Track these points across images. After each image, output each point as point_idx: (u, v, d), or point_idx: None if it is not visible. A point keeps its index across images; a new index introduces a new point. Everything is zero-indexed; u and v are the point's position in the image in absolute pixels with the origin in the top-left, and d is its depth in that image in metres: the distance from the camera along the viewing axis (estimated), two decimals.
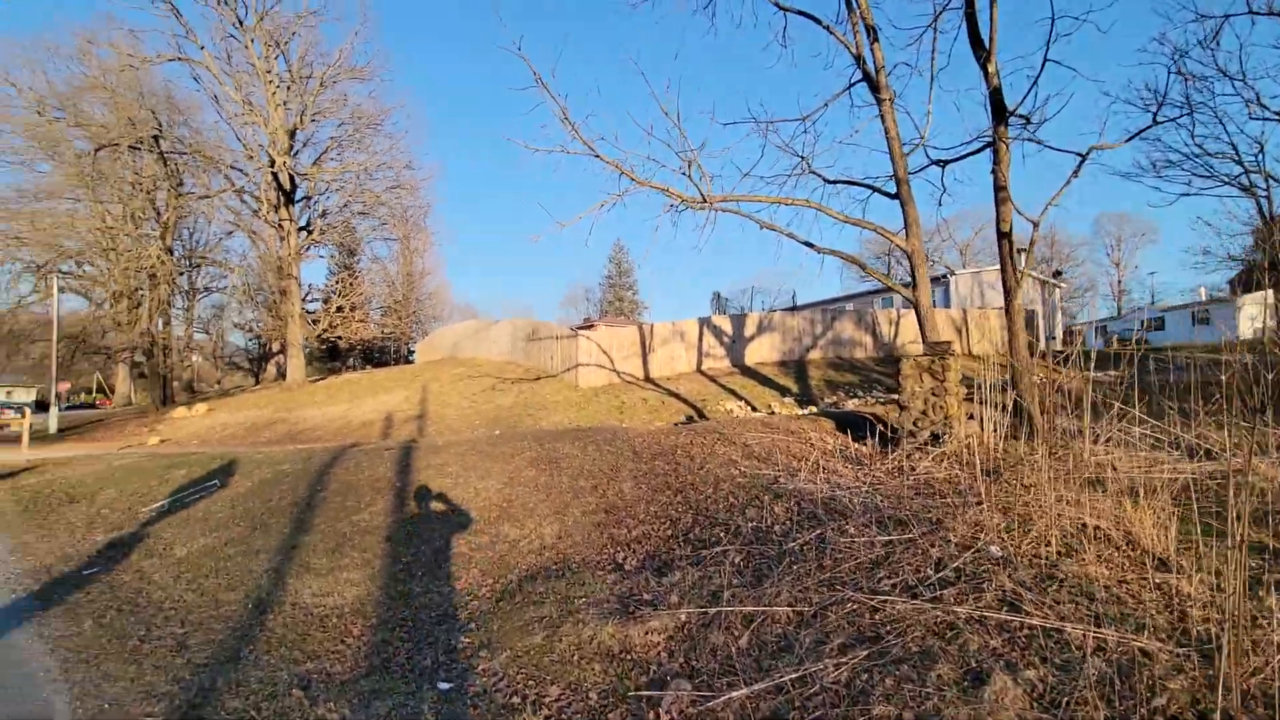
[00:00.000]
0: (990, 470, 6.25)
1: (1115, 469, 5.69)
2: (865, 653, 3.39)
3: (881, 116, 9.56)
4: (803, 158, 10.70)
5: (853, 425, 9.52)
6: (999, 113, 9.90)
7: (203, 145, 29.92)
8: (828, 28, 10.09)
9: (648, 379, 18.40)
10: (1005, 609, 3.52)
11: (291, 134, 29.08)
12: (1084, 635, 3.12)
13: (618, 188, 8.71)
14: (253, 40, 27.69)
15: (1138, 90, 33.49)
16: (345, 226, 35.31)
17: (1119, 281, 55.27)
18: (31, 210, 27.81)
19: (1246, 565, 3.49)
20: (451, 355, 28.70)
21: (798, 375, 18.16)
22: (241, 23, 27.34)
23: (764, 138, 10.61)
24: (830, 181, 10.82)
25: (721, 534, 5.44)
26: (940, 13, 9.75)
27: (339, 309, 32.75)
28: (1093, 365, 7.42)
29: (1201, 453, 6.13)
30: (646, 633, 3.99)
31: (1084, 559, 4.13)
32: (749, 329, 20.04)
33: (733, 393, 16.21)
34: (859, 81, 10.17)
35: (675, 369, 18.98)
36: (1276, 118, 16.77)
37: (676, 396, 16.12)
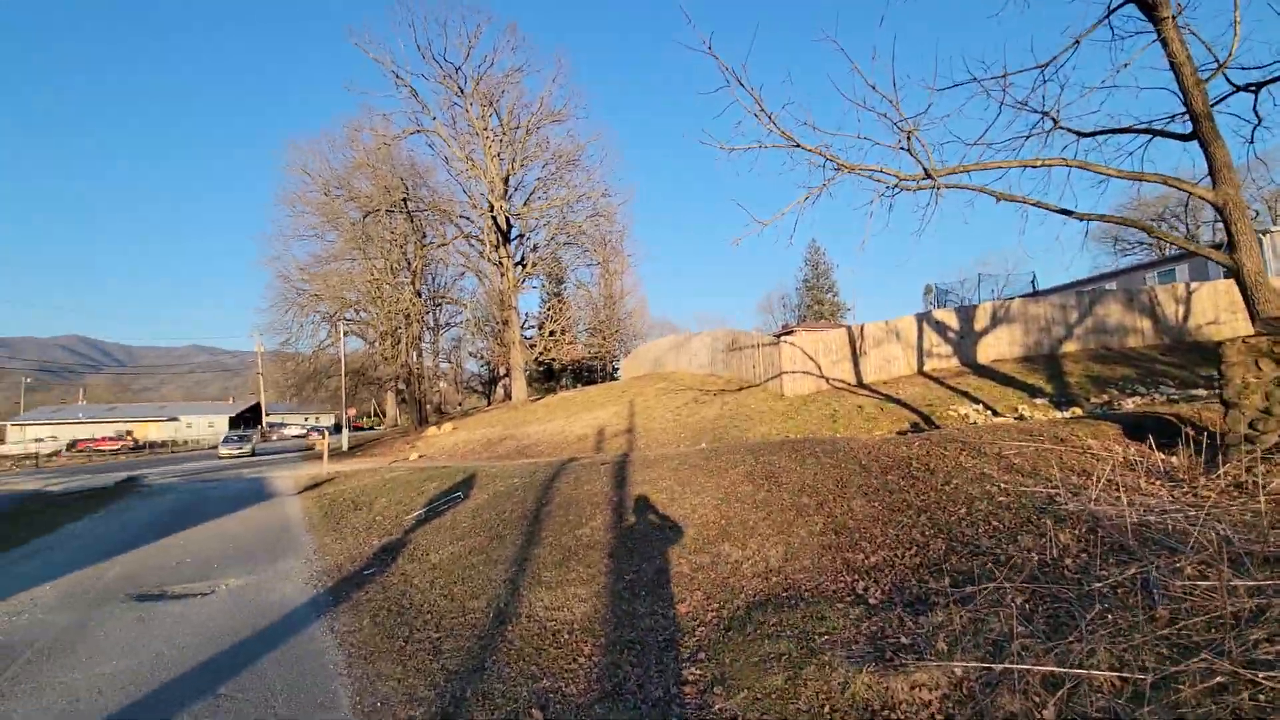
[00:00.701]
0: None
1: None
2: None
3: (1163, 41, 7.60)
4: (1045, 113, 8.95)
5: (1149, 430, 7.54)
6: None
7: (438, 201, 34.91)
8: None
9: (860, 384, 16.95)
10: None
11: (505, 180, 32.58)
12: None
13: (821, 178, 8.00)
14: (471, 104, 31.65)
15: None
16: (552, 257, 38.60)
17: None
18: (324, 272, 34.81)
19: None
20: (653, 370, 29.56)
21: (1049, 372, 15.34)
22: (462, 90, 31.41)
23: (992, 98, 9.06)
24: (1087, 135, 8.93)
25: (990, 566, 4.47)
26: None
27: (550, 333, 35.76)
28: None
29: None
30: (913, 687, 3.30)
31: None
32: (980, 322, 17.51)
33: (965, 395, 14.18)
34: (1122, 4, 8.23)
35: (891, 372, 17.25)
36: None
37: (897, 402, 14.55)
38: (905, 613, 4.16)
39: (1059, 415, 11.89)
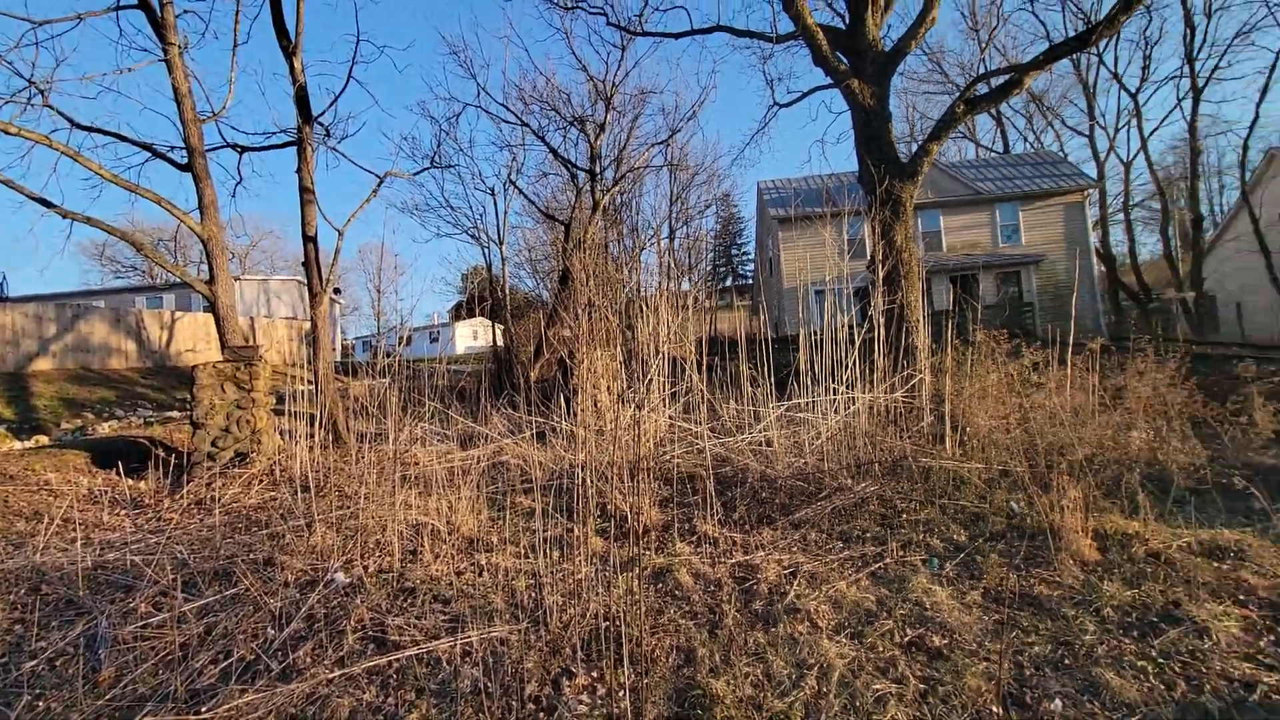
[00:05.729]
0: (309, 486, 5.68)
1: (419, 464, 6.20)
2: None
3: (168, 65, 7.63)
4: (33, 82, 7.39)
5: (121, 456, 7.07)
6: (305, 113, 9.56)
7: None
8: None
9: None
10: (372, 648, 3.12)
11: None
12: (451, 647, 3.04)
13: None
14: None
15: (408, 138, 39.59)
16: None
17: (378, 303, 64.48)
18: None
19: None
20: None
21: (14, 393, 12.46)
22: None
23: None
24: (84, 127, 7.91)
25: None
26: None
27: None
28: (387, 374, 7.90)
29: (466, 439, 7.44)
30: None
31: (425, 560, 4.19)
32: None
33: None
34: (132, 6, 7.79)
35: None
36: (490, 193, 22.70)
37: None
38: None
39: (18, 445, 9.79)
